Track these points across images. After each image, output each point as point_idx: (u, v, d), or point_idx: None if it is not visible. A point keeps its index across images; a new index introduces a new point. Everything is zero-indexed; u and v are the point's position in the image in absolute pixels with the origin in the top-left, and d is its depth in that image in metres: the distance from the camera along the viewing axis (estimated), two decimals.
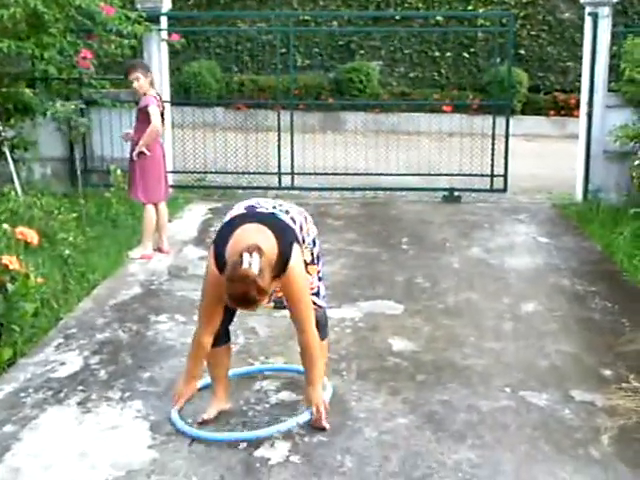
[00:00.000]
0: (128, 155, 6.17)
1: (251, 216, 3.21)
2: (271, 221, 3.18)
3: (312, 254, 3.41)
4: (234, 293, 2.93)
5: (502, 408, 3.65)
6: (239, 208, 3.31)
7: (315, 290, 3.44)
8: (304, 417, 3.36)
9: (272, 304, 3.41)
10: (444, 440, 3.35)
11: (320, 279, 3.52)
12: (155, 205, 6.11)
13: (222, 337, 3.44)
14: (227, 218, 3.30)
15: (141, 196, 6.04)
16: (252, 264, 2.88)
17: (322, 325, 3.50)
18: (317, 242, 3.49)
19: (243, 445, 3.29)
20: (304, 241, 3.33)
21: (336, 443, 3.32)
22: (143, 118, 5.95)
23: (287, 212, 3.32)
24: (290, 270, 3.11)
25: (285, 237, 3.13)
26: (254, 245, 2.95)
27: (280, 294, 3.32)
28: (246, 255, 2.90)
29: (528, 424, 3.50)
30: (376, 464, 3.17)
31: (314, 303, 3.40)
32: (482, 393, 3.79)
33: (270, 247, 3.04)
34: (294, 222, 3.29)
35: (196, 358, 3.36)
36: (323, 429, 3.36)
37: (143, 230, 6.08)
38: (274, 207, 3.32)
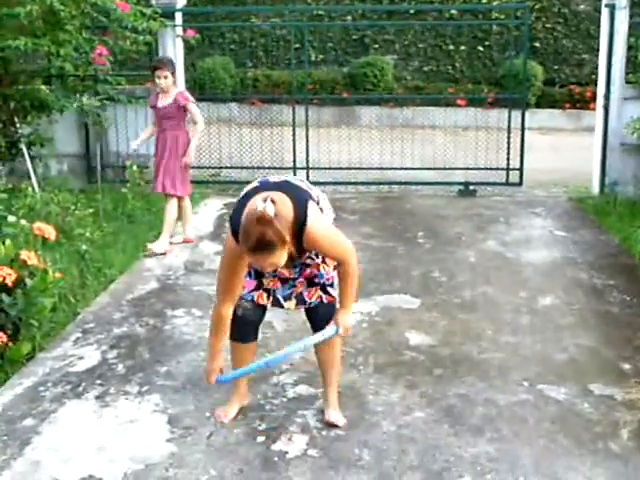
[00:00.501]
0: (152, 151, 6.22)
1: (265, 185, 3.21)
2: (285, 186, 3.17)
3: None
4: (250, 238, 2.88)
5: (520, 402, 3.63)
6: (252, 183, 3.31)
7: (330, 281, 3.42)
8: (330, 331, 3.29)
9: (294, 301, 3.40)
10: (462, 434, 3.35)
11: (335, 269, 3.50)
12: (179, 199, 6.14)
13: (251, 334, 3.46)
14: (241, 194, 3.29)
15: (183, 189, 6.10)
16: (267, 207, 2.87)
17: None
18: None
19: (261, 439, 3.31)
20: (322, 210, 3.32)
21: (354, 437, 3.33)
22: (179, 114, 6.02)
23: (302, 181, 3.36)
24: (309, 227, 3.06)
25: (300, 199, 3.11)
26: (267, 195, 2.95)
27: (301, 289, 3.35)
28: (260, 201, 2.89)
29: (546, 418, 3.49)
30: (394, 458, 3.18)
31: (329, 294, 3.40)
32: (500, 387, 3.78)
33: (287, 210, 3.00)
34: (310, 189, 3.30)
35: (218, 332, 3.33)
36: (336, 426, 3.37)
37: (165, 223, 6.07)
38: (286, 177, 3.36)
